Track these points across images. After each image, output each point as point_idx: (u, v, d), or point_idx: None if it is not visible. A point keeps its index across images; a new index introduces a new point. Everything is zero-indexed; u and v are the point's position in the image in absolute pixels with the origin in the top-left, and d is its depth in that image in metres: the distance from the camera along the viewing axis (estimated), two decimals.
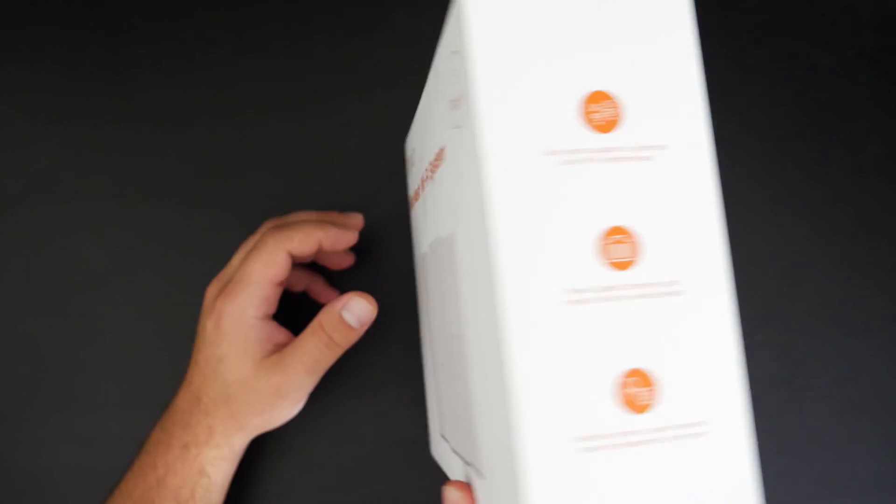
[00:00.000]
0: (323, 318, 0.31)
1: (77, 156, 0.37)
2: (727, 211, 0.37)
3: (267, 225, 0.34)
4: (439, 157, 0.26)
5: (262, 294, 0.31)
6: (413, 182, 0.34)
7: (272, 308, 0.32)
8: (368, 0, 0.39)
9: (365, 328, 0.31)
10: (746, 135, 0.38)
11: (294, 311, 0.36)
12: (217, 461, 0.31)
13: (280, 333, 0.32)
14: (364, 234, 0.37)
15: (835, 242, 0.38)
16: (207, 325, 0.31)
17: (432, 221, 0.29)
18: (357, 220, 0.34)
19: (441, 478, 0.36)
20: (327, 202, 0.37)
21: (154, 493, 0.30)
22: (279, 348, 0.32)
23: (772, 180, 0.38)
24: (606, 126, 0.21)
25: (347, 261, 0.36)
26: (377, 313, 0.33)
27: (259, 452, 0.36)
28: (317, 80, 0.38)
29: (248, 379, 0.31)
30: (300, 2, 0.38)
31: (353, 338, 0.31)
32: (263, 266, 0.31)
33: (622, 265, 0.20)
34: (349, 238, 0.33)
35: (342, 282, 0.37)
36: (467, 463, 0.25)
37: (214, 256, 0.37)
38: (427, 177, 0.29)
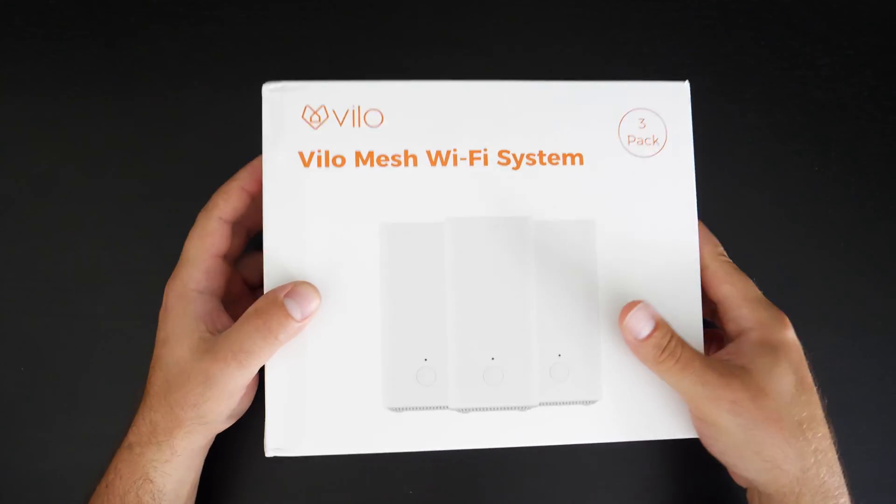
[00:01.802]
0: (261, 303, 0.28)
1: (77, 156, 0.37)
2: (727, 211, 0.37)
3: None
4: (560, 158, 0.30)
5: (201, 267, 0.30)
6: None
7: (215, 283, 0.31)
8: (368, 2, 0.39)
9: (307, 322, 0.28)
10: (746, 135, 0.38)
11: None
12: (160, 465, 0.29)
13: (223, 316, 0.30)
14: None
15: (835, 242, 0.38)
16: (160, 314, 0.30)
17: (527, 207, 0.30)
18: None
19: (444, 479, 0.35)
20: None
21: (102, 499, 0.29)
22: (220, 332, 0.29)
23: (772, 180, 0.38)
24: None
25: None
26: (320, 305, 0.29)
27: (257, 451, 0.36)
28: (317, 79, 0.38)
29: (183, 361, 0.28)
30: (300, 2, 0.38)
31: (292, 331, 0.28)
32: (197, 239, 0.30)
33: None
34: None
35: None
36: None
37: None
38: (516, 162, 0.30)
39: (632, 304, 0.28)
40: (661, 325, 0.28)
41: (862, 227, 0.38)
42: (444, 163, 0.29)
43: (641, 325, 0.28)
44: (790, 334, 0.29)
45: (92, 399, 0.36)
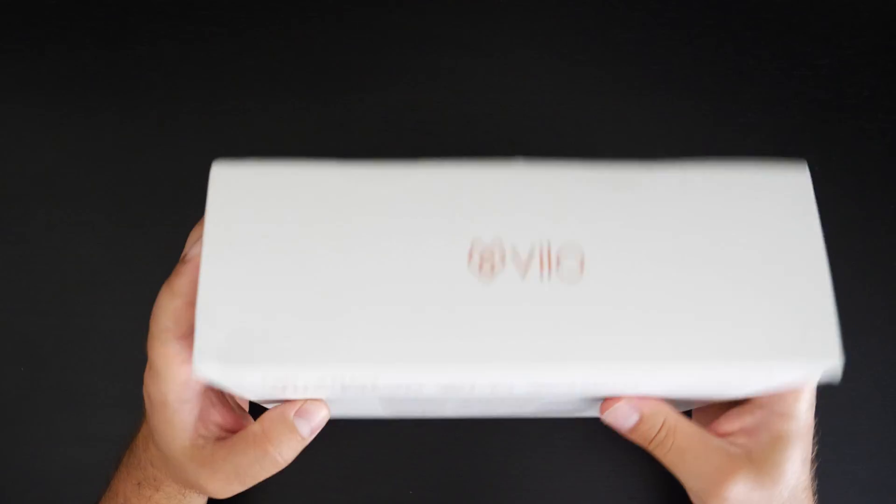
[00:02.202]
0: (269, 425, 0.25)
1: (77, 156, 0.37)
2: None
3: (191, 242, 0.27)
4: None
5: (176, 381, 0.25)
6: None
7: (199, 385, 0.26)
8: (368, 2, 0.39)
9: (314, 435, 0.26)
10: (746, 135, 0.38)
11: None
12: (170, 500, 0.28)
13: (221, 411, 0.27)
14: None
15: (835, 242, 0.38)
16: (146, 379, 0.26)
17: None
18: None
19: (444, 479, 0.35)
20: None
21: None
22: (220, 430, 0.27)
23: None
24: None
25: None
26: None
27: None
28: (316, 80, 0.38)
29: (176, 459, 0.26)
30: (300, 2, 0.38)
31: (299, 450, 0.26)
32: (160, 348, 0.25)
33: None
34: None
35: None
36: None
37: None
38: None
39: (611, 401, 0.25)
40: (646, 417, 0.25)
41: (862, 227, 0.38)
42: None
43: (623, 420, 0.26)
44: (803, 409, 0.26)
45: (92, 399, 0.36)
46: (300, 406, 0.25)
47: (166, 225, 0.37)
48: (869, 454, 0.37)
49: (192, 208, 0.37)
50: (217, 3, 0.38)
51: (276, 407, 0.25)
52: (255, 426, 0.25)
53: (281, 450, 0.25)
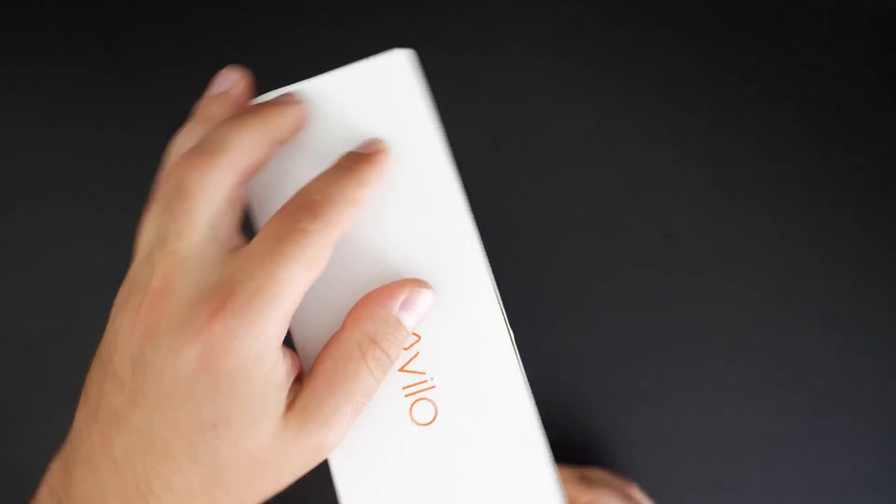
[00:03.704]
0: (373, 327, 0.20)
1: (77, 156, 0.37)
2: (727, 210, 0.37)
3: (180, 156, 0.23)
4: None
5: (293, 304, 0.20)
6: None
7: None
8: (368, 2, 0.39)
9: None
10: (746, 135, 0.38)
11: None
12: None
13: (295, 361, 0.21)
14: None
15: (835, 242, 0.38)
16: (177, 362, 0.19)
17: None
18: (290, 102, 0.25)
19: None
20: None
21: None
22: (295, 386, 0.20)
23: (772, 180, 0.38)
24: None
25: None
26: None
27: None
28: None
29: (263, 449, 0.19)
30: (300, 2, 0.38)
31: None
32: (306, 270, 0.19)
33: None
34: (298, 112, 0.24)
35: None
36: None
37: None
38: None
39: None
40: None
41: (862, 227, 0.38)
42: None
43: None
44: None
45: None
46: (406, 296, 0.21)
47: None
48: (869, 454, 0.37)
49: None
50: (217, 3, 0.38)
51: (369, 301, 0.21)
52: (353, 335, 0.20)
53: (392, 352, 0.21)
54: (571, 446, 0.36)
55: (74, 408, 0.36)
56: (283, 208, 0.21)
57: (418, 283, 0.21)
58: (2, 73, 0.37)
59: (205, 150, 0.22)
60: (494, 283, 0.22)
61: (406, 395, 0.22)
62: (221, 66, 0.38)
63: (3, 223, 0.37)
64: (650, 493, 0.36)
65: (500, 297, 0.22)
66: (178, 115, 0.38)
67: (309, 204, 0.20)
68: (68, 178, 0.37)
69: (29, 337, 0.36)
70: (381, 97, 0.25)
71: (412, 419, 0.22)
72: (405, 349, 0.22)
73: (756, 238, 0.38)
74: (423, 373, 0.22)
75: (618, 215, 0.37)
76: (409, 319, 0.21)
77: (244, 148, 0.22)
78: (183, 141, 0.24)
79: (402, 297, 0.21)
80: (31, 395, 0.36)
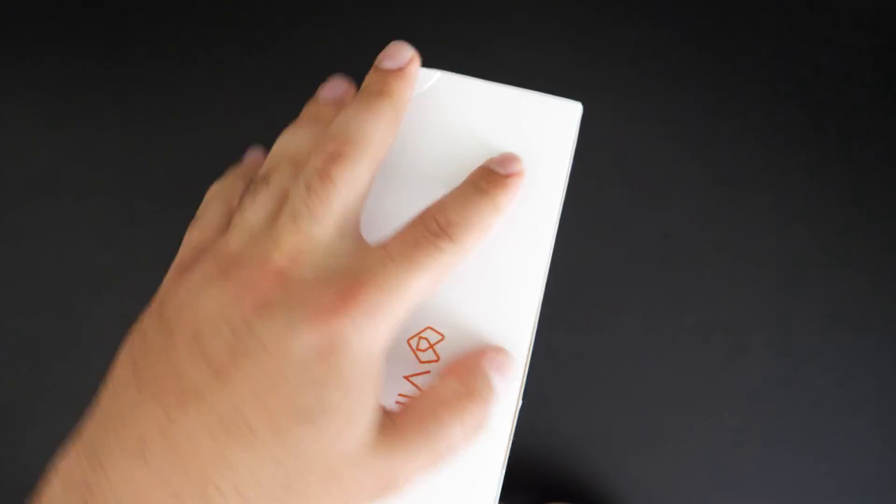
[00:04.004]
0: (473, 381, 0.20)
1: (77, 156, 0.37)
2: (727, 210, 0.37)
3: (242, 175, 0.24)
4: None
5: (405, 322, 0.20)
6: None
7: None
8: (368, 2, 0.39)
9: None
10: (746, 135, 0.38)
11: None
12: None
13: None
14: None
15: (835, 242, 0.38)
16: (292, 343, 0.17)
17: None
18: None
19: None
20: None
21: None
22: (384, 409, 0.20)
23: (772, 180, 0.38)
24: None
25: None
26: None
27: None
28: (317, 80, 0.38)
29: (344, 459, 0.18)
30: (300, 2, 0.38)
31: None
32: (431, 284, 0.20)
33: None
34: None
35: None
36: None
37: None
38: None
39: None
40: None
41: (862, 227, 0.38)
42: None
43: None
44: None
45: (91, 399, 0.36)
46: (492, 357, 0.21)
47: (167, 225, 0.37)
48: (869, 454, 0.37)
49: (192, 208, 0.37)
50: (217, 3, 0.38)
51: (467, 361, 0.21)
52: (452, 385, 0.20)
53: (489, 406, 0.20)
54: (571, 447, 0.36)
55: (74, 408, 0.35)
56: (422, 219, 0.20)
57: (506, 353, 0.21)
58: (2, 73, 0.37)
59: (348, 140, 0.21)
60: (531, 346, 0.23)
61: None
62: (221, 66, 0.38)
63: (3, 223, 0.37)
64: (650, 492, 0.36)
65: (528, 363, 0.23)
66: (178, 115, 0.38)
67: (446, 223, 0.20)
68: (68, 178, 0.37)
69: (29, 337, 0.36)
70: (531, 133, 0.25)
71: None
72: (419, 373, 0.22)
73: (756, 237, 0.38)
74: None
75: (618, 215, 0.37)
76: (499, 384, 0.21)
77: (382, 138, 0.22)
78: (294, 139, 0.24)
79: (497, 361, 0.21)
80: (31, 395, 0.36)
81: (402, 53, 0.24)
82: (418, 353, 0.23)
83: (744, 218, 0.38)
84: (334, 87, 0.26)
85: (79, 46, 0.38)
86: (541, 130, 0.25)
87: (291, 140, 0.24)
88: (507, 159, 0.23)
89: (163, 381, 0.19)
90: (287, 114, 0.38)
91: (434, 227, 0.20)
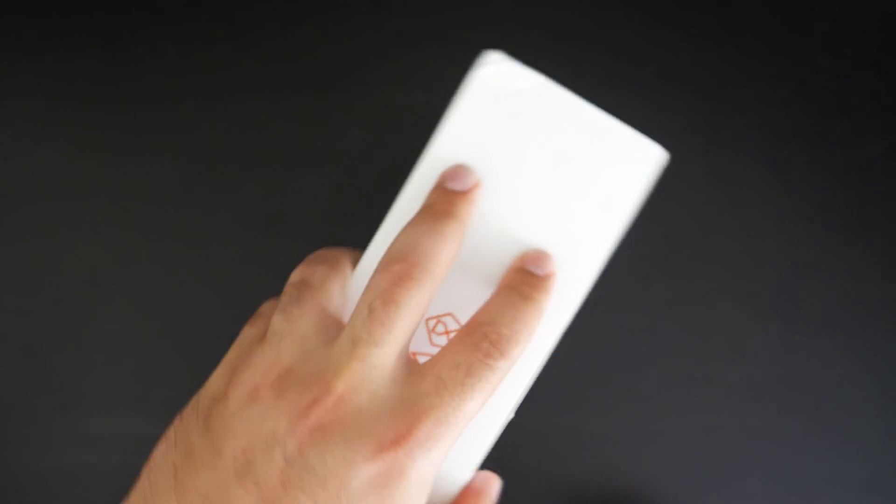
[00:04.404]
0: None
1: (77, 156, 0.37)
2: (727, 210, 0.37)
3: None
4: None
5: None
6: None
7: None
8: (368, 1, 0.39)
9: None
10: (746, 135, 0.38)
11: None
12: None
13: None
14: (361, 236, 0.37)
15: (835, 242, 0.38)
16: (348, 474, 0.18)
17: None
18: None
19: None
20: (327, 203, 0.37)
21: None
22: None
23: (772, 180, 0.38)
24: None
25: None
26: None
27: None
28: (317, 80, 0.38)
29: None
30: (301, 2, 0.38)
31: None
32: (483, 403, 0.20)
33: None
34: None
35: None
36: None
37: (214, 256, 0.37)
38: None
39: None
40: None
41: (862, 227, 0.38)
42: None
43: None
44: None
45: (91, 399, 0.36)
46: (491, 490, 0.22)
47: (167, 225, 0.37)
48: (868, 454, 0.37)
49: (192, 208, 0.38)
50: (217, 3, 0.38)
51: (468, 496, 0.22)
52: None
53: None
54: (570, 447, 0.36)
55: (74, 408, 0.35)
56: (471, 336, 0.20)
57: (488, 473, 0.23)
58: (2, 73, 0.37)
59: (416, 263, 0.21)
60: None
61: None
62: (221, 66, 0.38)
63: (3, 223, 0.37)
64: (650, 492, 0.36)
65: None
66: (178, 115, 0.38)
67: (497, 339, 0.20)
68: (68, 178, 0.37)
69: (29, 337, 0.36)
70: (608, 164, 0.25)
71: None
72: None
73: (756, 238, 0.38)
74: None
75: None
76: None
77: (447, 261, 0.22)
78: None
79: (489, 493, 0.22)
80: (31, 395, 0.36)
81: (467, 176, 0.24)
82: (432, 334, 0.23)
83: (744, 218, 0.38)
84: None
85: (79, 46, 0.38)
86: (618, 164, 0.25)
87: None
88: (543, 258, 0.23)
89: (208, 499, 0.18)
90: (286, 113, 0.38)
91: (486, 346, 0.20)
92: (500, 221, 0.24)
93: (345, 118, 0.38)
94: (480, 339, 0.20)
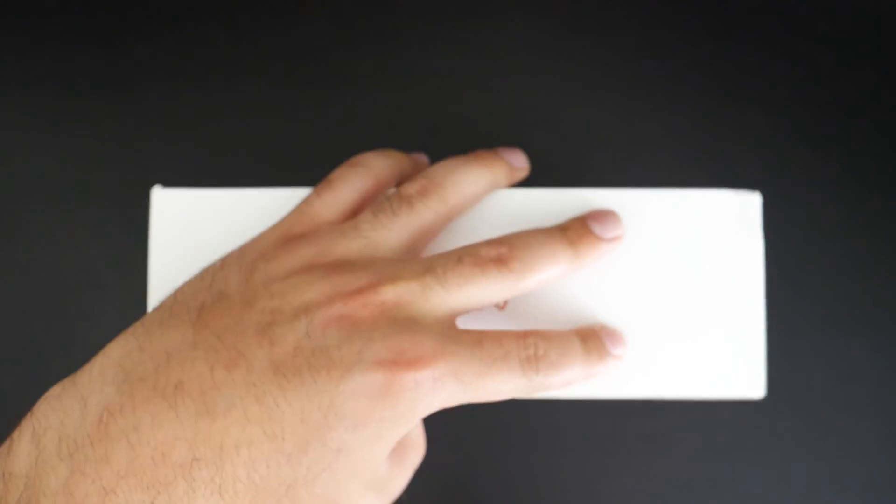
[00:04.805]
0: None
1: (77, 156, 0.37)
2: None
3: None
4: None
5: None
6: None
7: None
8: (369, 1, 0.39)
9: None
10: (746, 135, 0.38)
11: None
12: None
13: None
14: None
15: (835, 242, 0.38)
16: (356, 383, 0.18)
17: None
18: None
19: (443, 477, 0.35)
20: None
21: None
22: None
23: (771, 180, 0.38)
24: None
25: None
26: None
27: None
28: (316, 80, 0.38)
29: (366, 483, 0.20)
30: (300, 2, 0.38)
31: None
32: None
33: None
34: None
35: None
36: None
37: None
38: None
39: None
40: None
41: (862, 228, 0.38)
42: None
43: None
44: None
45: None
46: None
47: None
48: (868, 454, 0.37)
49: None
50: (217, 3, 0.38)
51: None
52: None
53: None
54: (568, 447, 0.36)
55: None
56: (522, 336, 0.22)
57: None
58: (2, 72, 0.37)
59: (517, 259, 0.22)
60: None
61: None
62: (221, 67, 0.38)
63: (3, 223, 0.37)
64: (650, 492, 0.36)
65: None
66: (178, 115, 0.38)
67: (538, 358, 0.22)
68: (68, 178, 0.37)
69: (29, 337, 0.36)
70: (716, 233, 0.26)
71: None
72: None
73: None
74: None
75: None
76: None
77: (552, 277, 0.23)
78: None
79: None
80: (31, 395, 0.36)
81: (613, 224, 0.25)
82: None
83: None
84: (612, 227, 0.25)
85: (79, 46, 0.38)
86: (726, 229, 0.26)
87: (456, 172, 0.25)
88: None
89: (222, 339, 0.19)
90: (286, 113, 0.38)
91: (527, 343, 0.21)
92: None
93: (345, 118, 0.38)
94: (526, 346, 0.21)
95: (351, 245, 0.21)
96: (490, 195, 0.25)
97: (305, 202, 0.23)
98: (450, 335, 0.20)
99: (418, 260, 0.21)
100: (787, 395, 0.36)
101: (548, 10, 0.39)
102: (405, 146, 0.37)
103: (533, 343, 0.21)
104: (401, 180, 0.26)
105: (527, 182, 0.37)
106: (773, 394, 0.37)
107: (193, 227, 0.26)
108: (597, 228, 0.23)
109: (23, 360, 0.36)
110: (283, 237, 0.22)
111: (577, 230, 0.23)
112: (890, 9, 0.40)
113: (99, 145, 0.37)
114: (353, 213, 0.23)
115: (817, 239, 0.38)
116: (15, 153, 0.37)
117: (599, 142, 0.38)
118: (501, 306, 0.24)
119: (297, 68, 0.38)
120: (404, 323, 0.19)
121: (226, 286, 0.20)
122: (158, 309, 0.21)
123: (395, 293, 0.19)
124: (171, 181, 0.37)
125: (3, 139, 0.37)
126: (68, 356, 0.36)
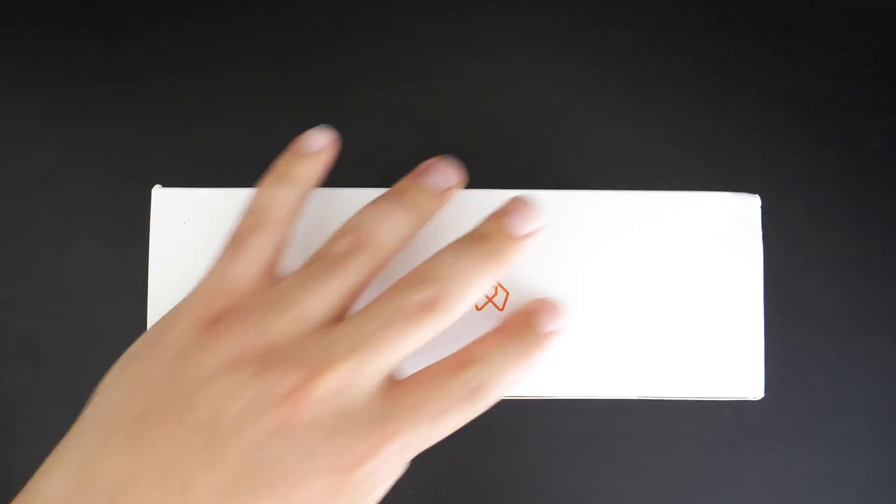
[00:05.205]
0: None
1: (77, 156, 0.37)
2: None
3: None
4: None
5: None
6: None
7: None
8: (369, 1, 0.39)
9: None
10: (746, 135, 0.38)
11: None
12: None
13: None
14: None
15: (835, 242, 0.38)
16: (304, 494, 0.18)
17: None
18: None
19: (443, 477, 0.35)
20: None
21: None
22: None
23: (771, 180, 0.38)
24: None
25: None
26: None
27: None
28: (317, 80, 0.38)
29: None
30: (300, 3, 0.38)
31: None
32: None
33: None
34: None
35: None
36: None
37: None
38: None
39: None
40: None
41: (862, 227, 0.38)
42: None
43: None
44: None
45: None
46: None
47: None
48: (868, 454, 0.37)
49: None
50: (217, 3, 0.38)
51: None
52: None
53: None
54: (567, 448, 0.36)
55: (74, 408, 0.35)
56: (449, 368, 0.21)
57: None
58: (2, 73, 0.37)
59: (448, 293, 0.21)
60: None
61: None
62: (221, 67, 0.38)
63: (3, 223, 0.37)
64: (650, 492, 0.36)
65: None
66: (178, 116, 0.38)
67: (477, 379, 0.21)
68: (68, 178, 0.37)
69: (29, 337, 0.36)
70: (715, 234, 0.26)
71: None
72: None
73: None
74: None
75: None
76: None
77: (477, 296, 0.22)
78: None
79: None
80: (31, 395, 0.36)
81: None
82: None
83: None
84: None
85: (79, 46, 0.38)
86: (725, 231, 0.26)
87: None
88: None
89: (166, 465, 0.18)
90: (286, 113, 0.38)
91: (465, 379, 0.20)
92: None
93: (345, 118, 0.38)
94: (463, 375, 0.20)
95: (277, 324, 0.19)
96: (488, 196, 0.25)
97: (219, 267, 0.22)
98: (390, 408, 0.19)
99: (348, 330, 0.20)
100: (787, 395, 0.36)
101: (548, 11, 0.39)
102: (405, 146, 0.37)
103: (472, 375, 0.20)
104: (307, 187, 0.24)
105: (527, 182, 0.37)
106: (773, 394, 0.37)
107: (193, 227, 0.26)
108: (516, 227, 0.22)
109: (23, 360, 0.36)
110: (203, 320, 0.20)
111: (496, 238, 0.21)
112: (890, 9, 0.40)
113: (99, 145, 0.37)
114: (271, 267, 0.22)
115: (817, 239, 0.38)
116: (15, 153, 0.37)
117: (599, 142, 0.38)
118: (480, 307, 0.24)
119: (297, 68, 0.38)
120: (344, 416, 0.18)
121: (156, 390, 0.19)
122: (90, 421, 0.20)
123: (328, 387, 0.18)
124: (171, 181, 0.37)
125: (3, 139, 0.37)
126: (68, 356, 0.36)
